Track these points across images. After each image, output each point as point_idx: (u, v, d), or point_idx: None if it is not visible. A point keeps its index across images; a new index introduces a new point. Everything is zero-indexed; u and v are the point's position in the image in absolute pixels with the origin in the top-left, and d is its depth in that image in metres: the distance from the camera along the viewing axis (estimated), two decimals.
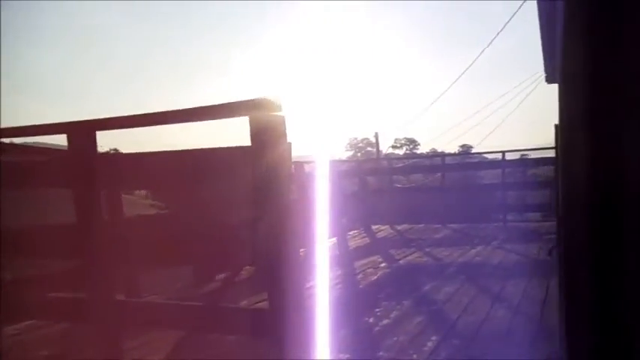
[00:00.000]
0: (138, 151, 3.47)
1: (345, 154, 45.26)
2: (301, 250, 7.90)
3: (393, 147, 47.78)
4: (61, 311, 3.39)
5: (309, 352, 2.70)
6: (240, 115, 2.68)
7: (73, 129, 3.02)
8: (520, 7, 11.26)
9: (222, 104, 2.70)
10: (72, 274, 3.40)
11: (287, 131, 2.66)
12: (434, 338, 3.52)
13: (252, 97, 2.65)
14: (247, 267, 4.26)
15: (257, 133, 2.56)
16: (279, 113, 2.63)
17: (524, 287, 4.84)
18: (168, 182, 3.23)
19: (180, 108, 2.76)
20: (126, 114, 3.02)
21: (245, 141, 2.74)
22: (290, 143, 2.73)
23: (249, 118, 2.56)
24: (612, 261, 1.80)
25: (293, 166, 2.75)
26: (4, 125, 3.75)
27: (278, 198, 2.59)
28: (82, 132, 2.98)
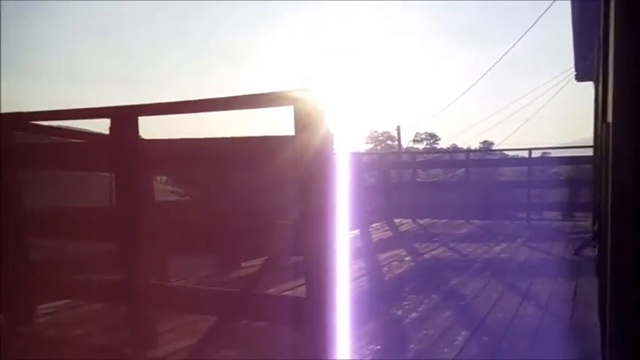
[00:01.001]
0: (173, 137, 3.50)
1: (364, 147, 45.10)
2: (354, 231, 7.92)
3: (414, 141, 47.53)
4: (97, 292, 3.45)
5: (343, 340, 2.73)
6: (283, 104, 2.71)
7: (116, 114, 3.06)
8: (552, 3, 11.08)
9: (267, 93, 2.72)
10: (111, 256, 3.46)
11: (329, 122, 2.68)
12: (464, 333, 3.52)
13: (296, 88, 2.67)
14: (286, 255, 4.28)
15: (301, 122, 2.57)
16: (321, 104, 2.65)
17: (552, 286, 4.82)
18: (210, 168, 3.27)
19: (225, 96, 2.79)
20: (144, 101, 3.05)
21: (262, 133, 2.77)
22: (332, 134, 2.74)
23: (294, 107, 2.57)
24: None
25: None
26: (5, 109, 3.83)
27: (320, 187, 2.61)
28: (126, 117, 3.03)
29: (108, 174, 4.68)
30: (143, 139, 3.29)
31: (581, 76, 9.81)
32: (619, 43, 1.96)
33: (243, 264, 5.64)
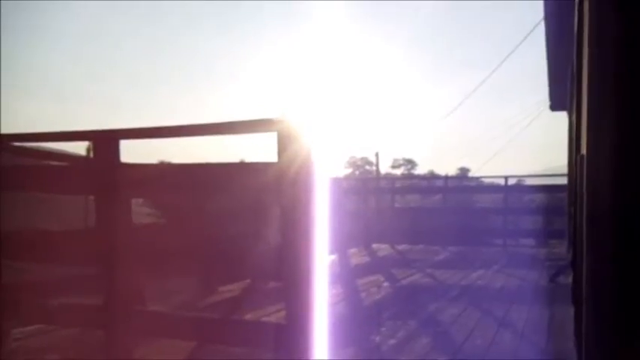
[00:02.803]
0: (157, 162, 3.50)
1: (343, 172, 45.17)
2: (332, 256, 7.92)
3: (392, 167, 47.79)
4: (73, 316, 3.40)
5: None
6: (267, 130, 2.73)
7: (98, 137, 3.06)
8: (532, 30, 11.30)
9: (252, 120, 2.74)
10: (88, 279, 3.42)
11: (312, 149, 2.71)
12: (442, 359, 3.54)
13: (280, 115, 2.70)
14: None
15: (283, 148, 2.60)
16: (305, 130, 2.68)
17: (528, 313, 4.87)
18: (192, 193, 3.27)
19: (208, 122, 2.81)
20: (123, 119, 3.07)
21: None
22: (314, 160, 2.77)
23: (278, 134, 2.60)
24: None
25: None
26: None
27: (301, 213, 2.62)
28: (108, 140, 3.02)
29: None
30: (124, 163, 3.29)
31: (555, 106, 10.03)
32: (593, 77, 2.04)
33: (220, 288, 5.61)
